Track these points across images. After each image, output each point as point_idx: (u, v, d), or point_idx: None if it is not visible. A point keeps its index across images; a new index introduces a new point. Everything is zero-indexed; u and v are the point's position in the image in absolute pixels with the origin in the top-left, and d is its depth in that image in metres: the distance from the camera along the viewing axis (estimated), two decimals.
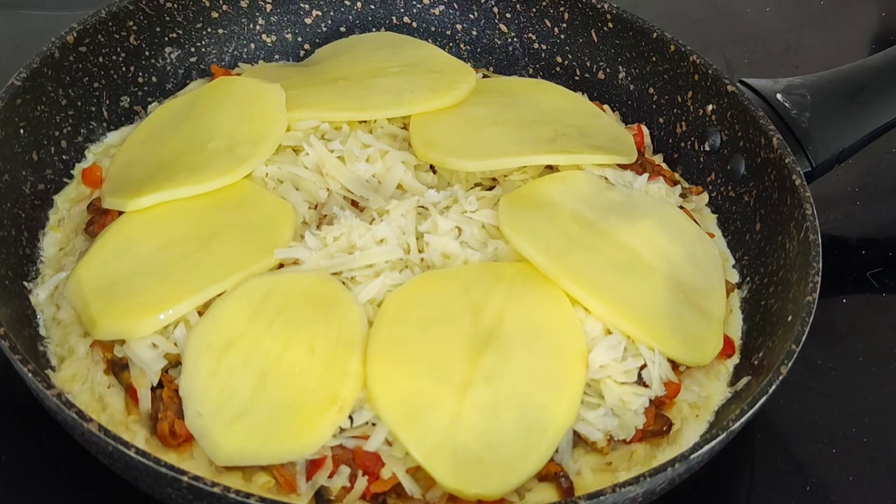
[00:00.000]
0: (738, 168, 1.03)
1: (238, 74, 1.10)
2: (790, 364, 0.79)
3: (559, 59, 1.17)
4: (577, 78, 1.17)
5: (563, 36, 1.17)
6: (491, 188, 0.98)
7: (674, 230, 0.96)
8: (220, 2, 1.11)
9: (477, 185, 0.99)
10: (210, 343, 0.81)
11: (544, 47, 1.18)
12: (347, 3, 1.18)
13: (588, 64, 1.16)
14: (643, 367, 0.85)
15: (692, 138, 1.09)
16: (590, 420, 0.82)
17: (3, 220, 0.88)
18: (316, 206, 0.94)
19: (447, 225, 0.91)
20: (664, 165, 1.10)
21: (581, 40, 1.15)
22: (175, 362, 0.81)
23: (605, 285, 0.87)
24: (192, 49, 1.11)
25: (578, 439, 0.82)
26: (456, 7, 1.19)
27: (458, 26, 1.20)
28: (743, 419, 0.76)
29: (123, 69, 1.05)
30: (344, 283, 0.86)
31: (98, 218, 0.92)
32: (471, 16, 1.19)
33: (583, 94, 1.15)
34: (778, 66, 1.38)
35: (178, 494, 0.70)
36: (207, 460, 0.77)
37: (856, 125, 1.04)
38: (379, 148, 0.97)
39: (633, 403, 0.83)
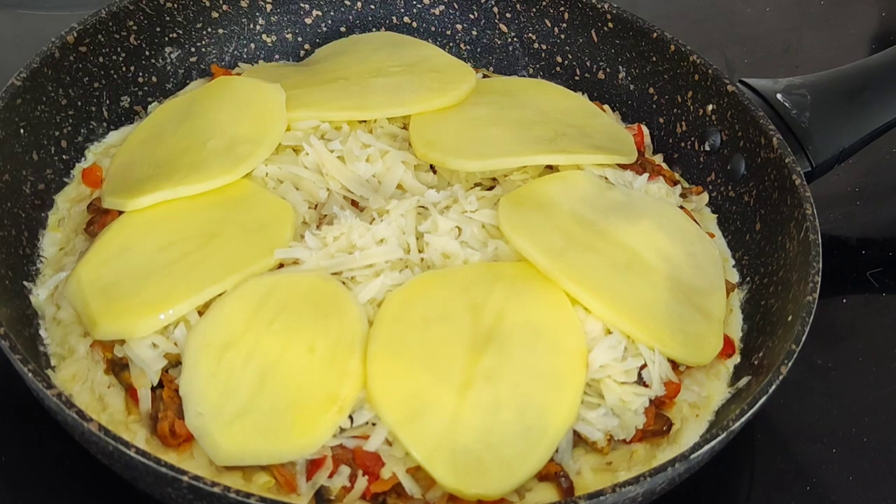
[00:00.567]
0: (738, 168, 1.03)
1: (238, 74, 1.10)
2: (790, 364, 0.79)
3: (559, 59, 1.17)
4: (577, 78, 1.17)
5: (563, 36, 1.17)
6: (491, 188, 0.98)
7: (674, 230, 0.96)
8: (221, 2, 1.11)
9: (477, 184, 0.99)
10: (210, 343, 0.81)
11: (544, 47, 1.18)
12: (347, 3, 1.18)
13: (588, 64, 1.16)
14: (643, 366, 0.85)
15: (692, 138, 1.09)
16: (590, 420, 0.82)
17: (3, 220, 0.88)
18: (316, 205, 0.94)
19: (447, 225, 0.91)
20: (664, 165, 1.10)
21: (581, 40, 1.16)
22: (175, 362, 0.81)
23: (605, 285, 0.87)
24: (192, 49, 1.11)
25: (578, 439, 0.82)
26: (456, 7, 1.19)
27: (458, 26, 1.20)
28: (743, 419, 0.76)
29: (123, 69, 1.05)
30: (344, 282, 0.86)
31: (98, 218, 0.92)
32: (471, 16, 1.19)
33: (583, 94, 1.15)
34: (778, 66, 1.38)
35: (178, 494, 0.70)
36: (207, 460, 0.77)
37: (856, 125, 1.04)
38: (379, 148, 0.97)
39: (633, 403, 0.83)
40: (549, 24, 1.17)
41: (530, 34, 1.18)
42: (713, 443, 0.74)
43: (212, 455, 0.76)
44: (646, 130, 1.12)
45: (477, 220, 0.92)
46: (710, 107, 1.06)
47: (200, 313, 0.83)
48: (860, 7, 1.54)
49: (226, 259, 0.86)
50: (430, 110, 1.02)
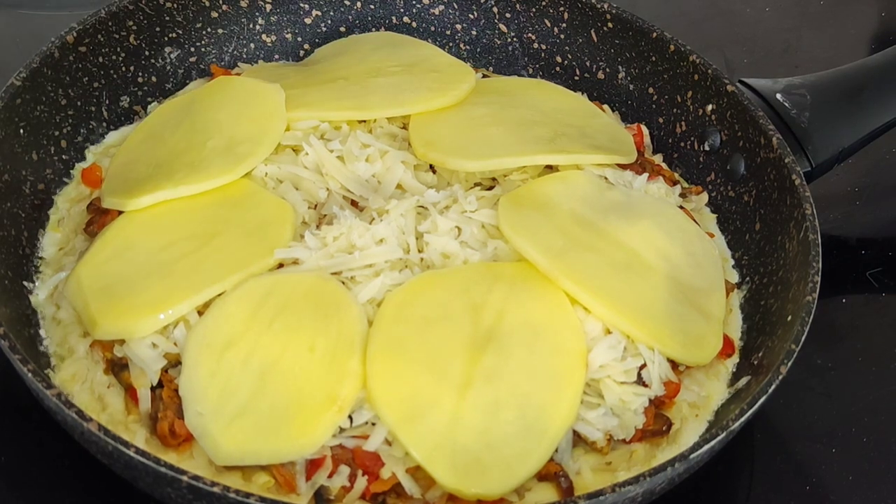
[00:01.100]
0: (737, 168, 1.03)
1: (238, 74, 1.10)
2: (790, 364, 0.79)
3: (559, 59, 1.17)
4: (577, 78, 1.17)
5: (562, 36, 1.17)
6: (491, 188, 0.98)
7: (673, 230, 0.96)
8: (220, 2, 1.11)
9: (477, 184, 0.99)
10: (210, 343, 0.81)
11: (544, 47, 1.18)
12: (347, 3, 1.18)
13: (588, 64, 1.16)
14: (643, 366, 0.85)
15: (692, 138, 1.09)
16: (589, 420, 0.82)
17: (3, 220, 0.88)
18: (316, 205, 0.94)
19: (447, 225, 0.91)
20: (664, 165, 1.10)
21: (581, 40, 1.16)
22: (175, 362, 0.81)
23: (605, 285, 0.87)
24: (192, 49, 1.11)
25: (578, 439, 0.82)
26: (456, 7, 1.19)
27: (458, 26, 1.20)
28: (743, 419, 0.76)
29: (123, 69, 1.05)
30: (344, 282, 0.86)
31: (98, 218, 0.92)
32: (470, 16, 1.19)
33: (583, 94, 1.15)
34: (778, 66, 1.38)
35: (178, 494, 0.70)
36: (207, 460, 0.77)
37: (856, 125, 1.04)
38: (378, 148, 0.97)
39: (633, 403, 0.83)
40: (548, 24, 1.17)
41: (530, 34, 1.18)
42: (713, 443, 0.74)
43: (211, 455, 0.76)
44: (645, 130, 1.12)
45: (476, 220, 0.92)
46: (709, 107, 1.06)
47: (200, 313, 0.83)
48: (860, 7, 1.54)
49: (225, 259, 0.86)
50: (430, 110, 1.02)
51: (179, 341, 0.82)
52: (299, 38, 1.17)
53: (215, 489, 0.67)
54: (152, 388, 0.80)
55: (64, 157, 0.99)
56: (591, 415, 0.82)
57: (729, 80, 1.04)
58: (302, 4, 1.16)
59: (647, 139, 1.11)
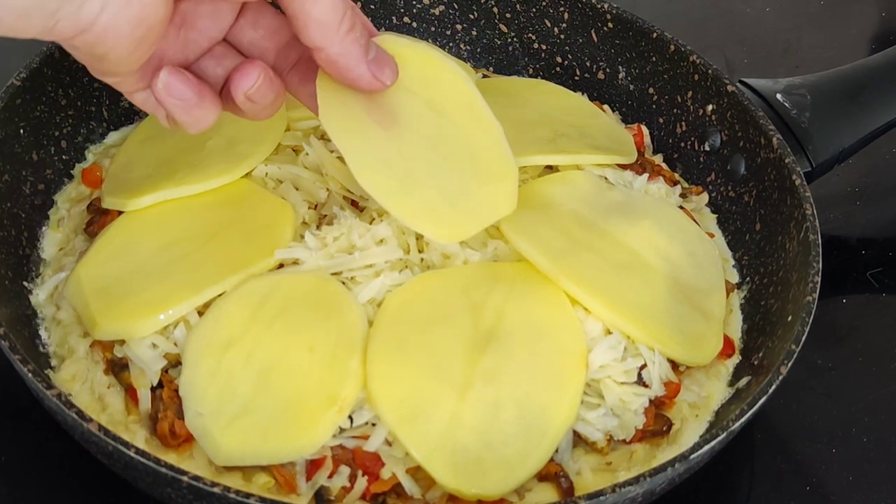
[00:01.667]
0: (738, 168, 1.03)
1: None
2: (790, 364, 0.79)
3: (559, 59, 1.18)
4: (577, 78, 1.17)
5: (563, 36, 1.17)
6: None
7: (674, 230, 0.96)
8: None
9: None
10: (210, 343, 0.81)
11: (544, 47, 1.18)
12: None
13: (588, 64, 1.16)
14: (643, 367, 0.85)
15: (692, 138, 1.09)
16: (590, 420, 0.82)
17: (3, 220, 0.88)
18: (316, 206, 0.94)
19: None
20: (664, 165, 1.10)
21: (581, 40, 1.16)
22: (175, 362, 0.81)
23: (605, 285, 0.87)
24: None
25: (578, 439, 0.82)
26: (456, 7, 1.19)
27: (458, 26, 1.20)
28: (743, 419, 0.76)
29: None
30: (344, 283, 0.86)
31: (98, 218, 0.92)
32: (471, 16, 1.19)
33: (583, 94, 1.15)
34: (778, 66, 1.38)
35: (178, 494, 0.70)
36: (207, 460, 0.77)
37: (856, 125, 1.05)
38: None
39: (633, 403, 0.83)
40: (548, 24, 1.17)
41: (530, 34, 1.18)
42: (713, 443, 0.74)
43: (211, 455, 0.76)
44: (646, 130, 1.12)
45: None
46: (709, 107, 1.06)
47: (200, 313, 0.83)
48: (860, 7, 1.54)
49: (226, 259, 0.86)
50: None
51: (179, 341, 0.82)
52: None
53: (215, 489, 0.67)
54: (152, 389, 0.80)
55: (64, 157, 0.99)
56: (592, 415, 0.82)
57: (729, 80, 1.04)
58: None
59: (647, 139, 1.11)
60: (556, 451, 0.79)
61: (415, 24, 1.19)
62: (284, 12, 0.69)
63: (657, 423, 0.84)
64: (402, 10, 1.19)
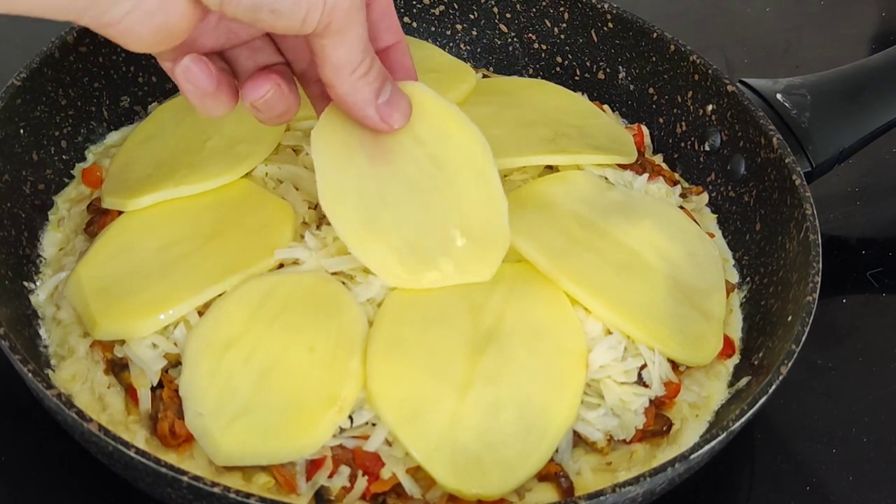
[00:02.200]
0: (738, 168, 1.03)
1: None
2: (790, 364, 0.79)
3: (559, 59, 1.17)
4: (577, 78, 1.17)
5: (563, 36, 1.17)
6: None
7: (674, 230, 0.96)
8: None
9: None
10: (210, 343, 0.81)
11: (544, 47, 1.18)
12: None
13: (588, 64, 1.16)
14: (643, 367, 0.85)
15: (692, 138, 1.09)
16: (590, 420, 0.82)
17: (3, 220, 0.88)
18: (316, 205, 0.94)
19: None
20: (664, 165, 1.10)
21: (581, 40, 1.15)
22: (175, 362, 0.81)
23: (605, 285, 0.87)
24: None
25: (578, 439, 0.82)
26: (456, 7, 1.19)
27: (458, 26, 1.20)
28: (743, 419, 0.76)
29: (123, 69, 1.04)
30: (344, 283, 0.86)
31: (98, 218, 0.92)
32: (471, 16, 1.19)
33: (583, 94, 1.15)
34: (778, 66, 1.38)
35: (178, 494, 0.70)
36: (207, 460, 0.77)
37: (856, 125, 1.05)
38: None
39: (633, 403, 0.83)
40: (548, 24, 1.17)
41: (530, 34, 1.18)
42: (713, 443, 0.74)
43: (211, 455, 0.76)
44: (646, 130, 1.12)
45: None
46: (710, 107, 1.06)
47: (200, 313, 0.83)
48: (860, 7, 1.54)
49: (226, 259, 0.86)
50: None
51: (180, 341, 0.82)
52: None
53: (215, 489, 0.67)
54: (152, 389, 0.80)
55: (64, 157, 0.99)
56: (592, 415, 0.82)
57: (729, 80, 1.04)
58: None
59: (647, 139, 1.11)
60: (556, 451, 0.80)
61: (415, 24, 1.19)
62: (308, 45, 0.71)
63: (657, 423, 0.84)
64: (402, 10, 1.19)
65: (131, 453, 0.69)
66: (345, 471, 0.76)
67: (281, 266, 0.87)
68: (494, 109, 1.05)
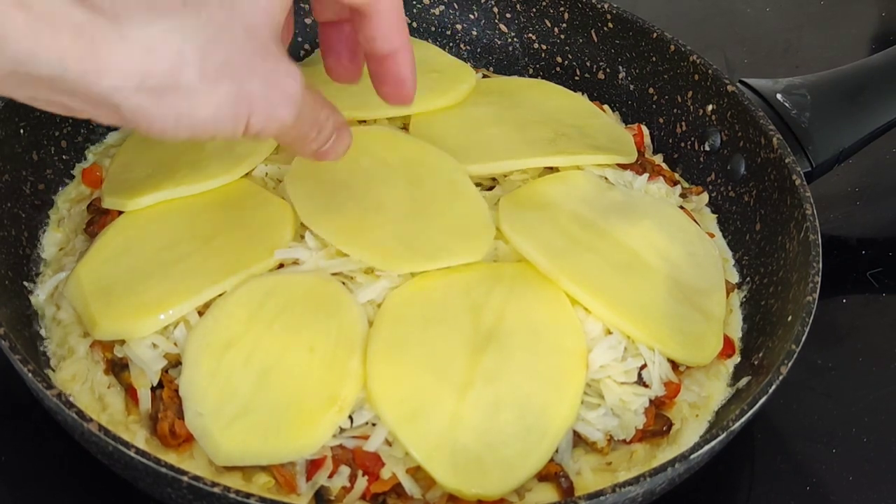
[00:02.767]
0: (738, 168, 1.03)
1: None
2: (790, 364, 0.79)
3: (559, 59, 1.17)
4: (577, 78, 1.17)
5: (563, 36, 1.17)
6: (491, 188, 0.98)
7: (674, 230, 0.96)
8: None
9: (477, 185, 0.98)
10: (210, 343, 0.81)
11: (544, 47, 1.18)
12: None
13: (588, 64, 1.16)
14: (643, 367, 0.85)
15: (692, 138, 1.09)
16: (590, 420, 0.82)
17: (3, 220, 0.88)
18: None
19: None
20: (664, 165, 1.10)
21: (581, 40, 1.16)
22: (175, 362, 0.81)
23: (605, 285, 0.87)
24: None
25: (578, 439, 0.82)
26: (456, 7, 1.19)
27: (458, 26, 1.20)
28: (743, 419, 0.76)
29: None
30: (344, 283, 0.86)
31: (98, 218, 0.92)
32: (471, 16, 1.19)
33: (583, 94, 1.15)
34: (778, 66, 1.38)
35: (178, 494, 0.70)
36: (207, 460, 0.77)
37: (856, 125, 1.04)
38: None
39: (633, 403, 0.83)
40: (548, 24, 1.17)
41: (530, 34, 1.18)
42: (713, 443, 0.74)
43: (211, 455, 0.76)
44: (646, 130, 1.12)
45: None
46: (710, 107, 1.06)
47: (200, 313, 0.83)
48: (860, 7, 1.54)
49: (226, 259, 0.86)
50: (431, 110, 1.02)
51: (180, 341, 0.82)
52: (300, 39, 1.17)
53: (216, 489, 0.67)
54: (152, 389, 0.80)
55: (64, 157, 0.99)
56: (592, 415, 0.82)
57: (729, 80, 1.04)
58: (302, 4, 1.15)
59: (647, 139, 1.11)
60: (557, 451, 0.79)
61: (415, 24, 1.19)
62: None
63: (657, 423, 0.84)
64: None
65: (131, 453, 0.69)
66: (345, 471, 0.76)
67: (281, 266, 0.87)
68: (494, 109, 1.05)
